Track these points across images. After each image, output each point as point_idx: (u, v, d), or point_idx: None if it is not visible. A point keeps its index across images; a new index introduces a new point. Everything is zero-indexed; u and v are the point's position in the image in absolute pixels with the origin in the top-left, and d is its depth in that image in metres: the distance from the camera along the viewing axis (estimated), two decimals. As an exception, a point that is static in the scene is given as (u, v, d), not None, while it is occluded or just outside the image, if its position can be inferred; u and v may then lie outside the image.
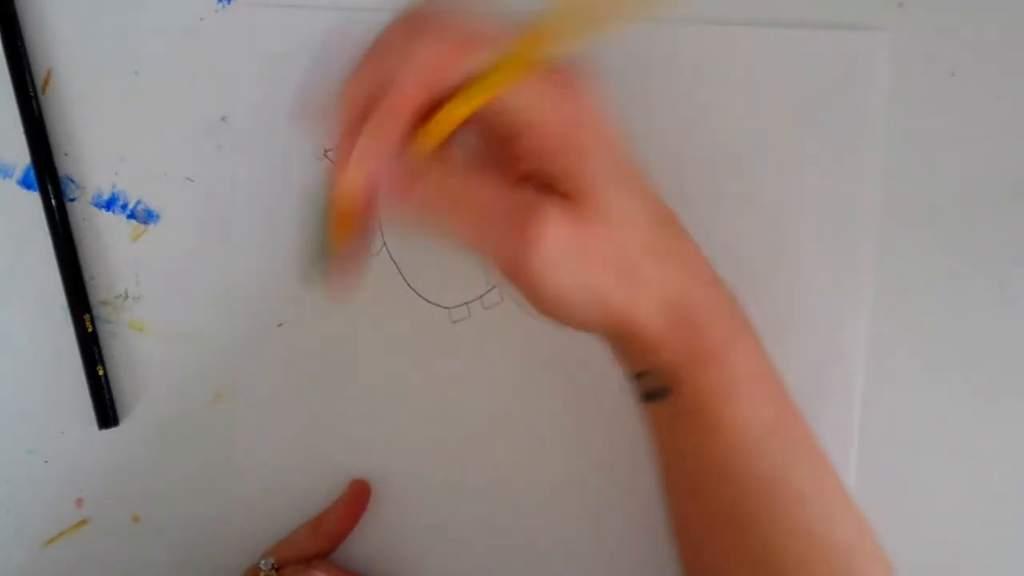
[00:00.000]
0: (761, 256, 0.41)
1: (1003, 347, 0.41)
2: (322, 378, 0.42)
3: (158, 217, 0.41)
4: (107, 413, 0.41)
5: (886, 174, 0.40)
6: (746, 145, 0.40)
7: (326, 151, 0.41)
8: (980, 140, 0.40)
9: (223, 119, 0.41)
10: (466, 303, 0.41)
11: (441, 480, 0.42)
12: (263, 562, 0.40)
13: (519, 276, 0.31)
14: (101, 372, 0.41)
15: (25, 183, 0.41)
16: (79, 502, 0.43)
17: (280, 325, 0.41)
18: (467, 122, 0.31)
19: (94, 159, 0.41)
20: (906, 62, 0.40)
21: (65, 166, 0.41)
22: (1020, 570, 0.42)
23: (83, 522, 0.43)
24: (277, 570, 0.39)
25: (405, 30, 0.31)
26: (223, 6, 0.40)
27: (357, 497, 0.41)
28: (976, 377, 0.41)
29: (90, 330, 0.41)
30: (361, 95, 0.31)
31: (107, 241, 0.41)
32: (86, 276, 0.41)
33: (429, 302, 0.41)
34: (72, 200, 0.41)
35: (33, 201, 0.41)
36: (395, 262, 0.41)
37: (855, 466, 0.41)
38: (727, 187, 0.41)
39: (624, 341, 0.34)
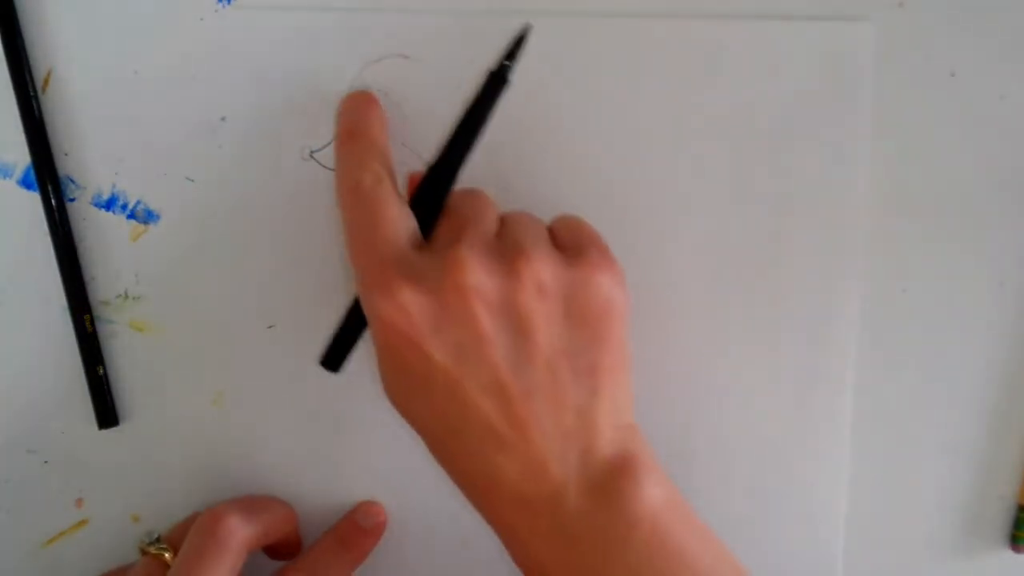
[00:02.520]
0: (750, 250, 0.40)
1: (1003, 347, 0.41)
2: (316, 379, 0.41)
3: (158, 217, 0.41)
4: (107, 413, 0.41)
5: (886, 175, 0.40)
6: (735, 140, 0.40)
7: (312, 152, 0.41)
8: (980, 140, 0.40)
9: (223, 119, 0.41)
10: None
11: (436, 474, 0.42)
12: (145, 535, 0.38)
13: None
14: (101, 372, 0.41)
15: (25, 183, 0.41)
16: (79, 502, 0.43)
17: (271, 327, 0.42)
18: None
19: (94, 159, 0.41)
20: (906, 62, 0.40)
21: (65, 166, 0.41)
22: (1010, 561, 0.42)
23: (83, 522, 0.43)
24: (159, 540, 0.38)
25: None
26: (223, 6, 0.40)
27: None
28: (973, 376, 0.41)
29: (90, 330, 0.41)
30: None
31: (107, 241, 0.41)
32: (86, 276, 0.41)
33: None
34: (72, 200, 0.41)
35: (33, 201, 0.41)
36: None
37: (849, 464, 0.41)
38: (716, 181, 0.40)
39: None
